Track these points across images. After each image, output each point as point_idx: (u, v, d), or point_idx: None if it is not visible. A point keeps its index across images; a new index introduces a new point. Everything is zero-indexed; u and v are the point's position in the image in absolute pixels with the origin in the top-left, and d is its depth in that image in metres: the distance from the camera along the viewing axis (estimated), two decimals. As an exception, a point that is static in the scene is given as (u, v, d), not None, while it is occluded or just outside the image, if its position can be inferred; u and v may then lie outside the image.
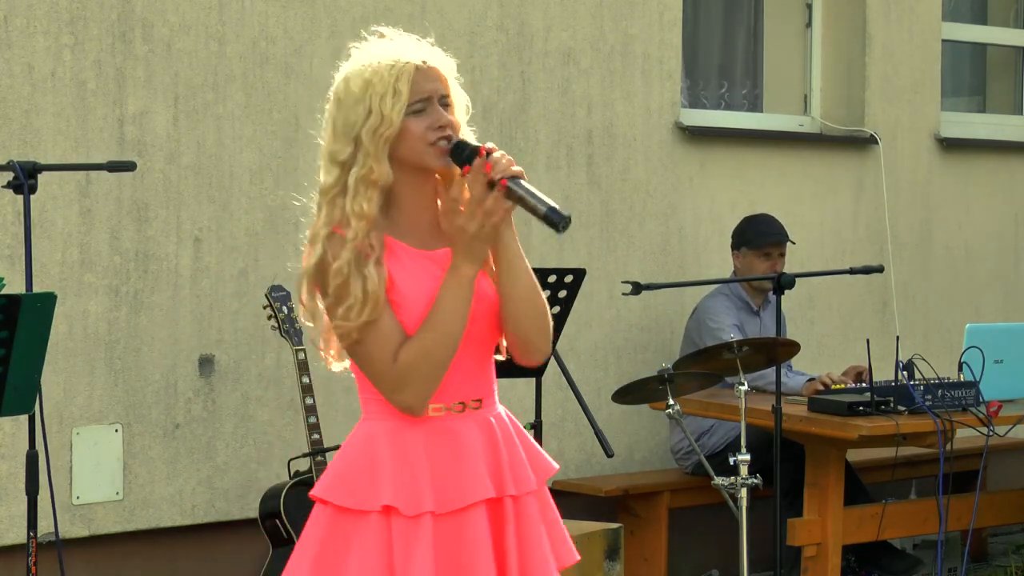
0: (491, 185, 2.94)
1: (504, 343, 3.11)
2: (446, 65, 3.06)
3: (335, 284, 2.97)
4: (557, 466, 3.21)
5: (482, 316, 3.04)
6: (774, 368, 5.62)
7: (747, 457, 5.23)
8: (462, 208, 2.98)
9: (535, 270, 3.11)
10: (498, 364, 3.14)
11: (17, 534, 5.28)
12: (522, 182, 2.96)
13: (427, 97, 3.00)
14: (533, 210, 2.95)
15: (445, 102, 3.03)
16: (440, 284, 2.99)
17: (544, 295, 3.13)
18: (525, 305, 3.06)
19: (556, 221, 2.93)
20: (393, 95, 2.97)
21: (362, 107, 2.98)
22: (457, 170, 3.02)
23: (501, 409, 3.13)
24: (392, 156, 3.00)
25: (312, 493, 3.06)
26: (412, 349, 2.96)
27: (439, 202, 3.09)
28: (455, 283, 2.97)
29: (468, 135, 3.06)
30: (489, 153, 2.97)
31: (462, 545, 2.99)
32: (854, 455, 6.44)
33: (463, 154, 2.99)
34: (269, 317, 5.61)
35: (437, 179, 3.08)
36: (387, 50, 3.02)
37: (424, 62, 3.02)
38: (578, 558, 3.17)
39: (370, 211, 2.97)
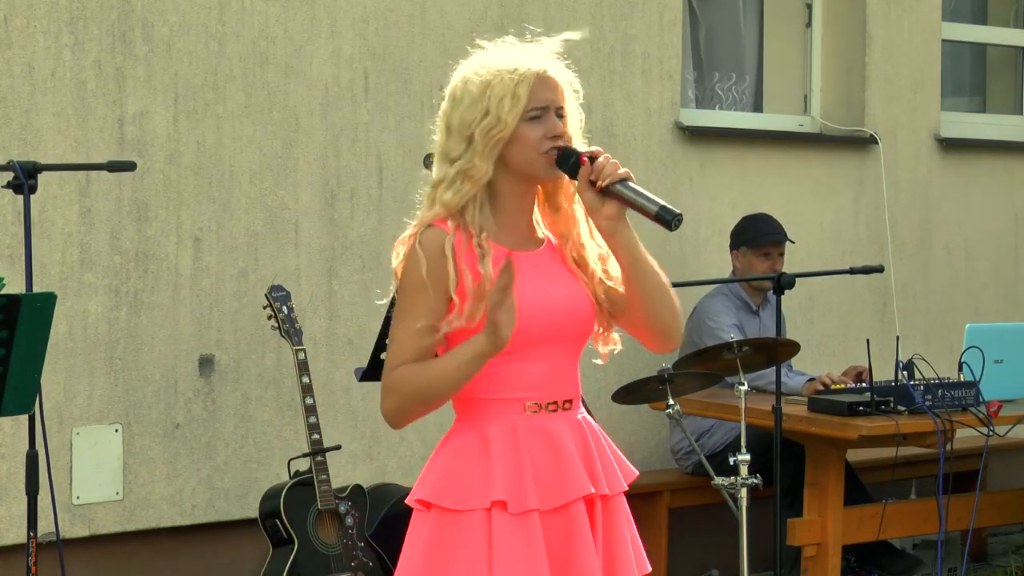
0: (602, 192, 2.95)
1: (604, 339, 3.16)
2: (566, 79, 3.10)
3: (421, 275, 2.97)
4: (637, 472, 3.22)
5: (578, 317, 3.07)
6: (774, 368, 5.61)
7: (747, 457, 5.22)
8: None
9: None
10: None
11: (17, 534, 5.29)
12: (631, 184, 2.96)
13: (545, 106, 3.04)
14: (643, 210, 2.97)
15: (560, 113, 3.08)
16: (527, 284, 2.99)
17: None
18: (658, 294, 3.11)
19: (668, 220, 2.95)
20: (512, 99, 3.00)
21: (479, 107, 3.01)
22: (565, 179, 3.06)
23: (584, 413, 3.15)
24: (503, 160, 3.03)
25: (418, 498, 3.03)
26: (408, 373, 2.96)
27: (535, 206, 3.13)
28: (472, 352, 2.93)
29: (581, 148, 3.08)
30: (593, 159, 2.98)
31: (567, 540, 3.00)
32: (854, 455, 6.43)
33: (569, 162, 3.02)
34: (269, 317, 5.61)
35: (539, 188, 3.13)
36: (511, 55, 3.06)
37: (545, 71, 3.05)
38: (649, 569, 3.18)
39: (454, 202, 2.99)
